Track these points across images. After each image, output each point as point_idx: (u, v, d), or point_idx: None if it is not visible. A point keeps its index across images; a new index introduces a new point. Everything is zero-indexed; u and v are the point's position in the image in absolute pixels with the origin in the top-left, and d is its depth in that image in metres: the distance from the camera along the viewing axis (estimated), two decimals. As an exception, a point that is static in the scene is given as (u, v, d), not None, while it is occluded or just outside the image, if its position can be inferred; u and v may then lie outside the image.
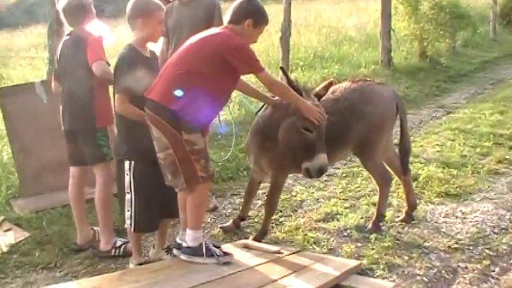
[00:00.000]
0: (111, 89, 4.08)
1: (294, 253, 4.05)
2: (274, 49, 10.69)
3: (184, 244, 3.66)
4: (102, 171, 4.35)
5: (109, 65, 4.15)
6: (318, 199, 5.52)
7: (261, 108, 4.37)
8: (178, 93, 3.41)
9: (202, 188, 3.58)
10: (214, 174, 3.77)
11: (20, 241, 4.70)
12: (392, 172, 4.78)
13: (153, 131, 3.49)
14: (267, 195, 4.68)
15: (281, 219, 5.05)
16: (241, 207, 4.93)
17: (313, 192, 5.70)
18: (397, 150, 4.77)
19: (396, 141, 5.04)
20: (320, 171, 3.84)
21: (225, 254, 3.69)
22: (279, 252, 3.99)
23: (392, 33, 11.70)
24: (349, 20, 15.97)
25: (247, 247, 4.14)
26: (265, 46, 10.89)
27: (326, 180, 6.02)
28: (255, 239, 4.43)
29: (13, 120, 5.49)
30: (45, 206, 5.23)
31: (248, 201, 4.83)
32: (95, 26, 4.41)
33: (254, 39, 3.78)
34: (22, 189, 5.51)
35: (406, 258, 4.05)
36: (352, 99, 4.42)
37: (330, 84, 4.14)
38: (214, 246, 3.70)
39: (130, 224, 3.88)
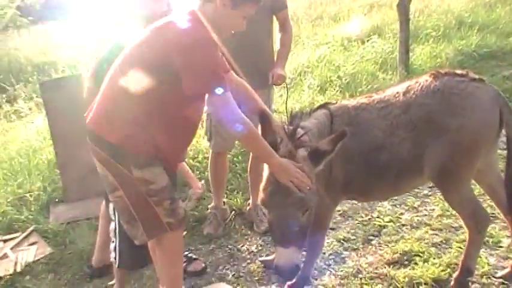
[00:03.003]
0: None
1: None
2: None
3: None
4: None
5: None
6: (402, 226, 4.22)
7: None
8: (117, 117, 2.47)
9: (172, 237, 2.61)
10: (185, 217, 2.72)
11: (39, 259, 4.18)
12: (496, 206, 3.35)
13: (97, 167, 2.59)
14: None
15: (344, 254, 3.88)
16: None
17: (401, 214, 4.39)
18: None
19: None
20: (277, 271, 2.72)
21: None
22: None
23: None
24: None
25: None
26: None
27: (426, 195, 4.65)
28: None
29: (56, 116, 4.95)
30: (82, 215, 4.66)
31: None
32: None
33: (234, 26, 2.62)
34: (65, 193, 4.96)
35: None
36: (430, 106, 3.04)
37: (342, 135, 2.78)
38: None
39: (115, 258, 3.08)
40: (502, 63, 8.12)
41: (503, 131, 3.10)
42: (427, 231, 4.06)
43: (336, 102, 3.27)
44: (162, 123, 2.46)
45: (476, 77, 3.15)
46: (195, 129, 2.74)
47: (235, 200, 4.73)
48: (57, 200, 5.02)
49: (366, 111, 3.12)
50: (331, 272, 3.68)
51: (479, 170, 3.14)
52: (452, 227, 4.05)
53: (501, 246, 3.68)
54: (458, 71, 3.17)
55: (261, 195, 2.79)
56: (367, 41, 8.77)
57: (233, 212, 4.56)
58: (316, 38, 9.48)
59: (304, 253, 3.28)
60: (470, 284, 3.22)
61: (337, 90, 7.00)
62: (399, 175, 3.11)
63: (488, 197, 3.53)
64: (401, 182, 3.21)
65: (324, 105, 3.15)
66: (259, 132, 2.77)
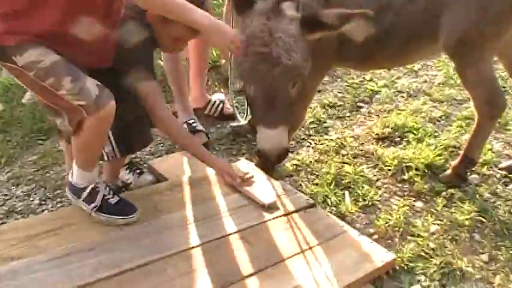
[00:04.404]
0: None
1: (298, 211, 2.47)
2: None
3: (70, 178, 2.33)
4: None
5: None
6: (398, 93, 3.68)
7: None
8: None
9: (91, 122, 2.05)
10: (105, 97, 2.04)
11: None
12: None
13: None
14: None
15: (327, 123, 3.38)
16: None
17: (398, 78, 3.82)
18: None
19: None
20: (261, 156, 2.21)
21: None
22: (269, 208, 2.44)
23: None
24: None
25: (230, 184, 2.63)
26: None
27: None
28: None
29: None
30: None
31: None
32: None
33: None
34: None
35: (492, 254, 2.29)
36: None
37: (362, 16, 2.07)
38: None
39: (112, 149, 2.52)
40: None
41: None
42: (425, 102, 3.53)
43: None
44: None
45: None
46: None
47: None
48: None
49: None
50: (310, 144, 3.20)
51: (505, 42, 2.51)
52: (455, 99, 3.52)
53: (508, 129, 3.17)
54: None
55: (237, 63, 2.18)
56: None
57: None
58: None
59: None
60: (468, 174, 2.76)
61: None
62: (406, 42, 2.49)
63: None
64: (408, 50, 2.61)
65: None
66: None
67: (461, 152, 2.74)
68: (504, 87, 3.29)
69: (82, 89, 1.98)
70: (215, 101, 3.52)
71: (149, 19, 2.31)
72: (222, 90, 3.79)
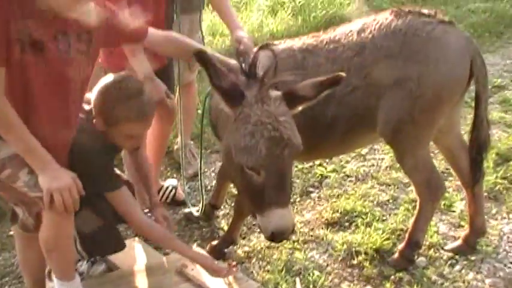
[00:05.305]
0: None
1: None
2: None
3: None
4: None
5: None
6: (347, 177, 3.76)
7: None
8: None
9: (48, 215, 2.01)
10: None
11: None
12: (455, 173, 2.93)
13: None
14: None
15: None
16: (212, 192, 3.35)
17: (346, 163, 3.92)
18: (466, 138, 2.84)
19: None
20: (275, 237, 2.17)
21: None
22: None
23: None
24: None
25: (181, 272, 2.59)
26: None
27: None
28: (213, 249, 2.91)
29: None
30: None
31: (221, 184, 3.24)
32: None
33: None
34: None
35: None
36: (389, 49, 2.50)
37: (334, 82, 2.20)
38: None
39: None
40: (468, -6, 7.58)
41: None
42: (373, 186, 3.63)
43: (280, 43, 2.69)
44: None
45: (446, 19, 2.60)
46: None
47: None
48: None
49: (313, 54, 2.57)
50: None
51: (439, 130, 2.66)
52: (402, 182, 3.63)
53: (453, 211, 3.28)
54: (425, 10, 2.61)
55: (249, 155, 2.10)
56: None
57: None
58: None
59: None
60: (415, 257, 2.82)
61: (289, 14, 6.32)
62: (348, 131, 2.60)
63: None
64: (349, 139, 2.72)
65: (266, 46, 2.51)
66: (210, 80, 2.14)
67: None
68: (447, 169, 3.43)
69: (38, 181, 1.96)
70: (167, 187, 3.53)
71: (96, 126, 2.27)
72: (174, 175, 3.81)
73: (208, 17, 3.57)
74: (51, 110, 2.00)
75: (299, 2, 6.46)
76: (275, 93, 2.20)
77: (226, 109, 2.18)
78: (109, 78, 2.28)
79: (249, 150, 2.08)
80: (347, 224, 3.22)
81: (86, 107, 2.29)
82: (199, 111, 3.58)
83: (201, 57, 2.14)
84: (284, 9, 6.42)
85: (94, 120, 2.25)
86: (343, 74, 2.19)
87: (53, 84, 1.96)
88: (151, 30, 2.33)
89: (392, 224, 3.14)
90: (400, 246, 2.82)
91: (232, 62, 2.46)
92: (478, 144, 2.66)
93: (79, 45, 2.01)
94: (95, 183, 2.18)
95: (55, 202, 1.91)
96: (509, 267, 2.82)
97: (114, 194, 2.29)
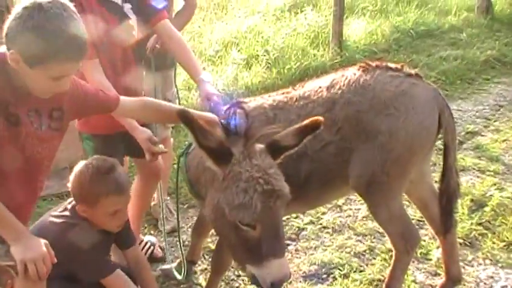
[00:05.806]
0: None
1: None
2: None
3: None
4: None
5: None
6: (323, 228, 3.78)
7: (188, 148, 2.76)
8: None
9: (21, 284, 1.97)
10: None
11: None
12: (427, 222, 2.97)
13: None
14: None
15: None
16: (189, 248, 3.33)
17: (323, 214, 3.94)
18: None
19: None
20: (275, 287, 2.14)
21: None
22: None
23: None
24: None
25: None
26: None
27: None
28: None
29: None
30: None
31: (197, 241, 3.22)
32: None
33: (43, 88, 1.95)
34: None
35: None
36: (359, 105, 2.57)
37: (313, 127, 2.25)
38: None
39: None
40: (439, 42, 7.78)
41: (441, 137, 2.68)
42: (350, 237, 3.64)
43: (250, 100, 2.74)
44: None
45: (413, 72, 2.69)
46: None
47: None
48: None
49: (284, 111, 2.62)
50: (239, 285, 3.19)
51: (410, 181, 2.71)
52: (379, 232, 3.64)
53: (430, 259, 3.30)
54: (392, 64, 2.70)
55: (244, 211, 2.08)
56: (301, 11, 8.20)
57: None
58: (248, 5, 8.78)
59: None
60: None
61: (264, 67, 6.44)
62: (322, 186, 2.63)
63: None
64: (323, 193, 2.76)
65: (237, 104, 2.57)
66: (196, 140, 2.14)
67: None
68: (421, 219, 3.47)
69: (9, 250, 1.94)
70: (146, 242, 3.50)
71: (80, 212, 2.35)
72: (152, 232, 3.78)
73: (184, 72, 3.62)
74: (19, 183, 2.03)
75: (273, 55, 6.59)
76: (259, 146, 2.22)
77: (213, 168, 2.18)
78: (80, 164, 2.37)
79: (244, 207, 2.07)
80: (325, 275, 3.22)
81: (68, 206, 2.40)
82: (175, 166, 3.59)
83: (185, 117, 2.15)
84: (258, 62, 6.54)
85: (77, 207, 2.32)
86: (320, 118, 2.22)
87: (24, 160, 2.00)
88: (124, 99, 2.35)
89: (369, 274, 3.15)
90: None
91: (209, 115, 2.48)
92: (448, 193, 2.71)
93: (50, 122, 2.06)
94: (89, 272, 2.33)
95: (29, 272, 1.89)
96: (487, 316, 2.83)
97: (111, 279, 2.36)
